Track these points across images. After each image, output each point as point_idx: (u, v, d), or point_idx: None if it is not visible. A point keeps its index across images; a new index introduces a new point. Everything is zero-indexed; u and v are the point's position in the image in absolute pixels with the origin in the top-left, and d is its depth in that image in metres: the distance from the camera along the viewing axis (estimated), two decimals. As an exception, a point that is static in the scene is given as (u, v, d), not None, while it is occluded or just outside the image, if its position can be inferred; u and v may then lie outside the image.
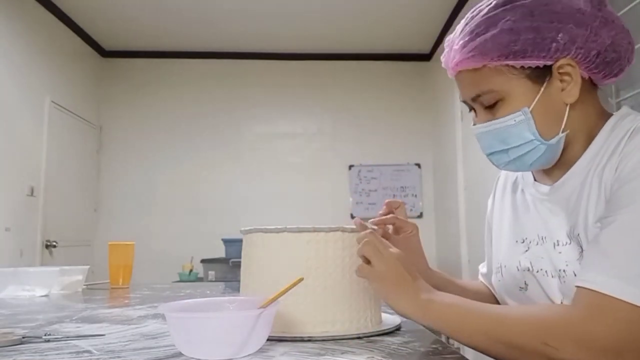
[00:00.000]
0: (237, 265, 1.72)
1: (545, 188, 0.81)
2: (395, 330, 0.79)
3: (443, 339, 0.74)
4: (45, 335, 0.76)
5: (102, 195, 4.62)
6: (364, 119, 4.82)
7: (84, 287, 1.59)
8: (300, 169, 4.72)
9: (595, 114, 0.77)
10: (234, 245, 3.80)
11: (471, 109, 0.81)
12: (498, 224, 0.94)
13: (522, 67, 0.72)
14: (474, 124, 0.81)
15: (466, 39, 0.75)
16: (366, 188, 4.74)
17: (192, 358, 0.62)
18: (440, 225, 4.58)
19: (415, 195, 4.77)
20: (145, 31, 4.36)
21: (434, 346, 0.69)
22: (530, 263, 0.81)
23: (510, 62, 0.72)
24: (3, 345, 0.70)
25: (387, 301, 0.72)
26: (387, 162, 4.78)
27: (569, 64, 0.72)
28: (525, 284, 0.82)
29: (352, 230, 0.78)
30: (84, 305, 1.21)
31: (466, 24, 0.77)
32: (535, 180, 0.86)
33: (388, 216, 0.92)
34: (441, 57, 0.82)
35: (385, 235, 0.89)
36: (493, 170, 0.94)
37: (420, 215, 4.73)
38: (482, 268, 1.04)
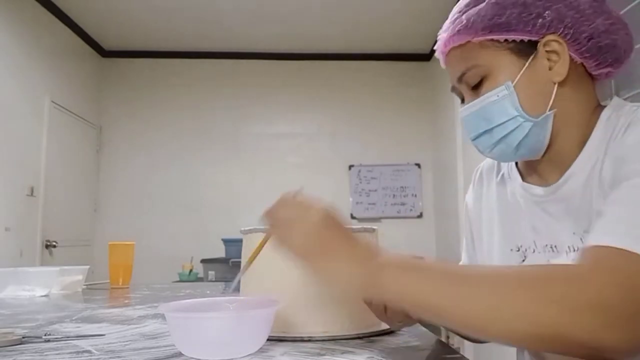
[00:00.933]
0: (237, 265, 1.71)
1: (539, 190, 0.76)
2: (395, 330, 0.79)
3: (443, 337, 0.74)
4: (45, 335, 0.76)
5: (102, 195, 4.62)
6: (364, 119, 4.82)
7: (84, 287, 1.59)
8: (300, 169, 4.72)
9: (589, 107, 0.73)
10: (234, 245, 3.80)
11: (461, 98, 0.78)
12: (487, 223, 0.87)
13: (507, 40, 0.70)
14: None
15: (454, 17, 0.74)
16: (366, 188, 4.74)
17: (192, 358, 0.62)
18: (440, 225, 4.58)
19: (415, 195, 4.77)
20: (145, 31, 4.36)
21: (434, 346, 0.69)
22: None
23: (495, 37, 0.70)
24: (3, 345, 0.70)
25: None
26: (387, 162, 4.78)
27: (556, 41, 0.69)
28: None
29: (352, 231, 0.78)
30: (84, 305, 1.21)
31: (456, 5, 0.76)
32: (523, 180, 0.80)
33: None
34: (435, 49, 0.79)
35: None
36: (493, 170, 0.93)
37: (420, 215, 4.73)
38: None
